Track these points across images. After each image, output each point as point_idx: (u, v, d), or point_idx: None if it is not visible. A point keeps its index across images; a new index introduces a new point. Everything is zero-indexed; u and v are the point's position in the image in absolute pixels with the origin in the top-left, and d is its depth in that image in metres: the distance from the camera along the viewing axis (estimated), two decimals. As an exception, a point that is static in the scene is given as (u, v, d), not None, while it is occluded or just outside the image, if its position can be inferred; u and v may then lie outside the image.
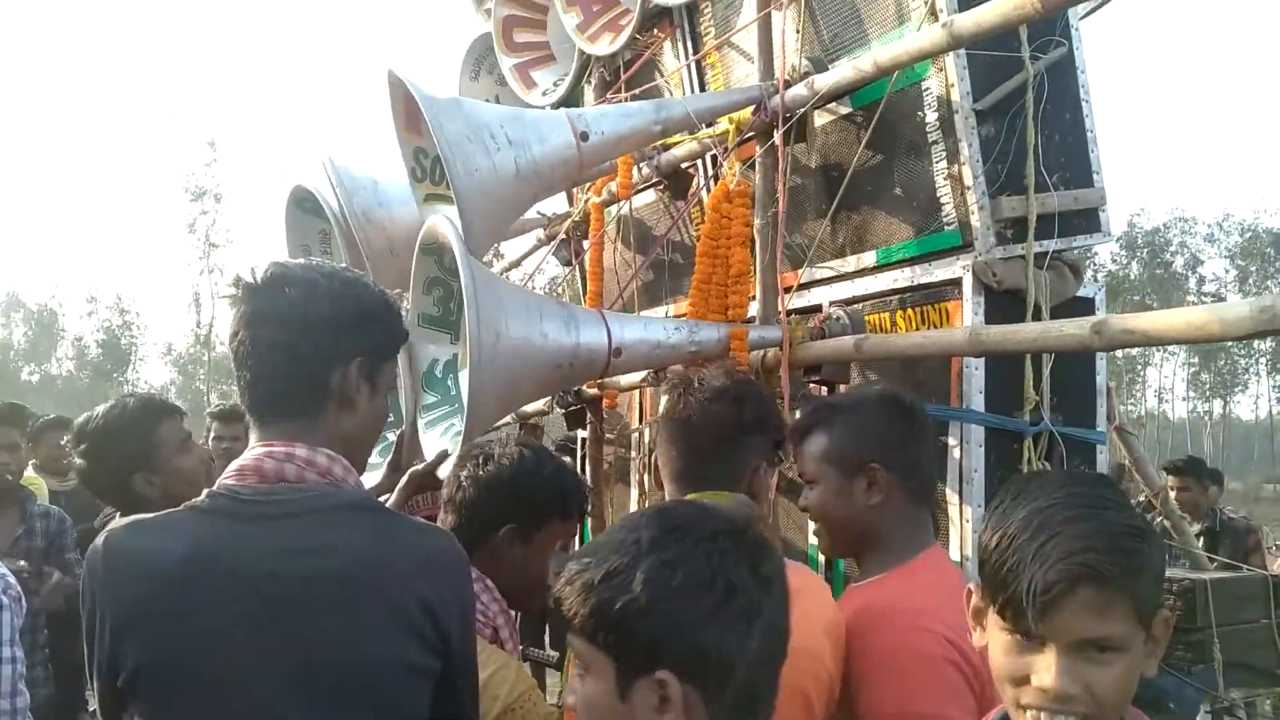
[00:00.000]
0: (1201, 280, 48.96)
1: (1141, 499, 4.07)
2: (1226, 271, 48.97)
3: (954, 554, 2.48)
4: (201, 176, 44.85)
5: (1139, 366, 44.31)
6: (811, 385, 2.95)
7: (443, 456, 2.14)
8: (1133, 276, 48.22)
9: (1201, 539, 4.78)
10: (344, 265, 1.51)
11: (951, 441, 2.53)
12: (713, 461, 1.69)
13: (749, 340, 2.65)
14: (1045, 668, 1.06)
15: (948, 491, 2.53)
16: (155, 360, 54.78)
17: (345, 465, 1.37)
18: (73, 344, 49.98)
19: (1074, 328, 1.94)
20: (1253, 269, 47.66)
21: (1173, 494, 5.11)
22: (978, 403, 2.49)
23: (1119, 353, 41.73)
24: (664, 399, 1.77)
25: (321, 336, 1.35)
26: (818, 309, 2.92)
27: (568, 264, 4.02)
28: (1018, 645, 1.10)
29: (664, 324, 2.65)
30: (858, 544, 1.75)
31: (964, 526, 2.47)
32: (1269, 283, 47.23)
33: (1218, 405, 51.43)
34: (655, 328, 2.60)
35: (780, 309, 2.77)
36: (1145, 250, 48.59)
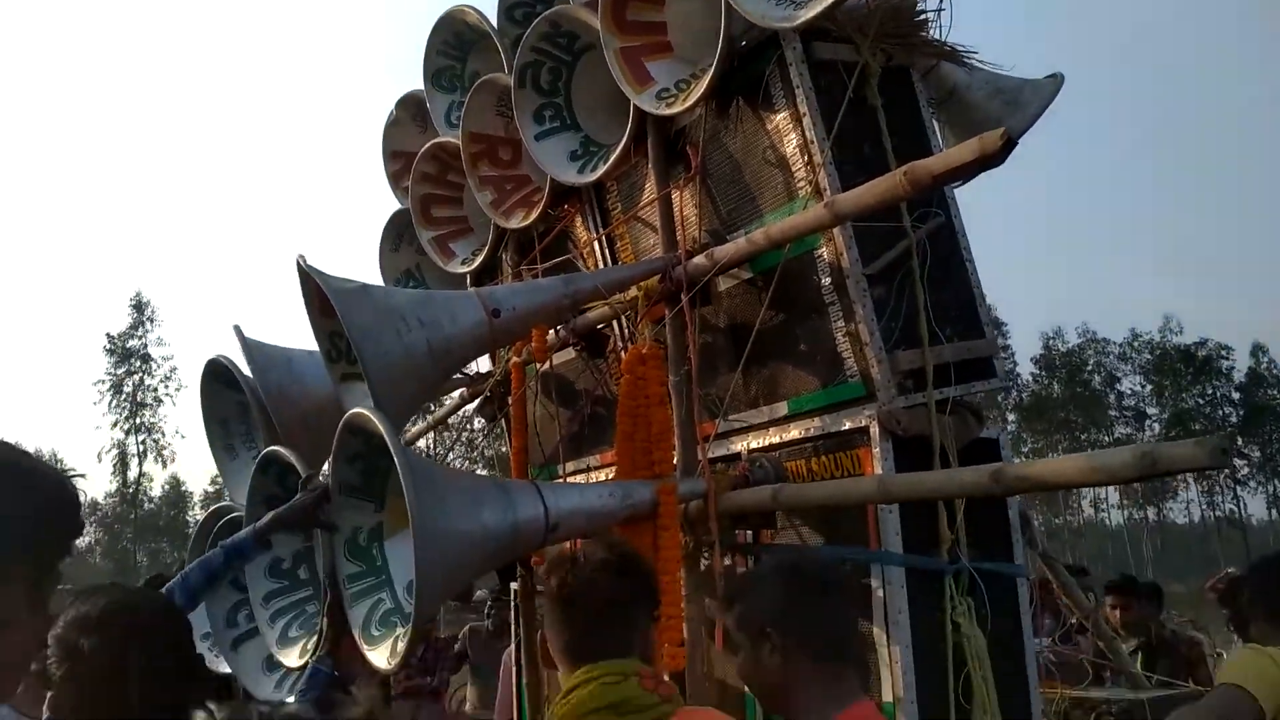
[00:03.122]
0: (1120, 396, 50.89)
1: (1073, 622, 4.13)
2: (1143, 386, 51.06)
3: (885, 693, 2.50)
4: (129, 339, 44.31)
5: (1072, 480, 45.40)
6: (738, 532, 3.01)
7: None
8: (1055, 396, 49.91)
9: (1139, 656, 4.82)
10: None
11: (874, 584, 2.59)
12: (604, 634, 1.76)
13: (678, 494, 2.72)
14: None
15: (875, 631, 2.56)
16: (79, 519, 52.02)
17: None
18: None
19: (974, 475, 2.05)
20: (1167, 383, 49.80)
21: (1114, 613, 5.19)
22: (895, 544, 2.57)
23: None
24: (549, 579, 1.81)
25: None
26: (737, 457, 3.01)
27: (492, 419, 4.07)
28: None
29: (598, 490, 2.70)
30: (778, 703, 1.81)
31: (894, 667, 2.49)
32: (1183, 395, 49.32)
33: (1152, 511, 52.52)
34: (590, 495, 2.65)
35: (701, 461, 2.85)
36: (1064, 370, 50.54)
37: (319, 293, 2.57)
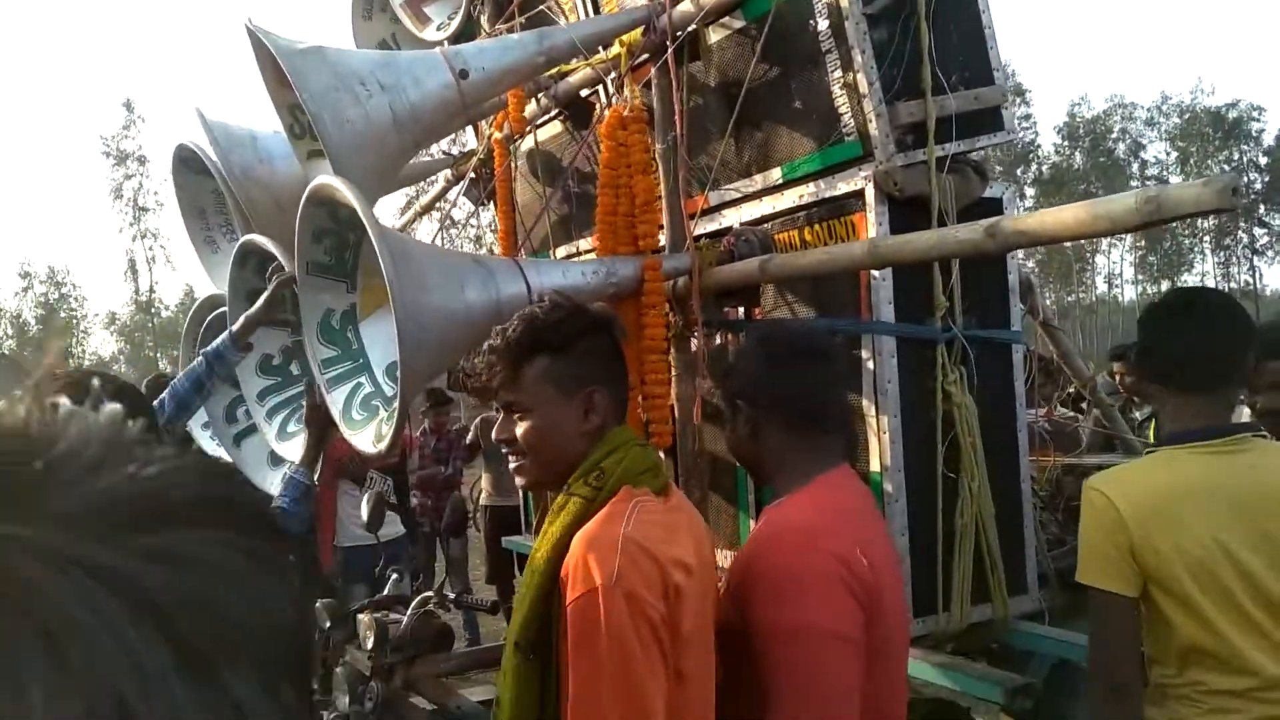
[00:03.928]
0: (1144, 165, 49.49)
1: (1070, 391, 4.11)
2: (1168, 154, 49.51)
3: (874, 464, 2.50)
4: (122, 140, 43.31)
5: (1088, 254, 45.01)
6: (727, 310, 2.93)
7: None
8: (1076, 166, 48.58)
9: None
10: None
11: (864, 355, 2.52)
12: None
13: (663, 270, 2.60)
14: None
15: (864, 403, 2.53)
16: (100, 331, 53.32)
17: None
18: (11, 322, 48.44)
19: (968, 232, 1.92)
20: (1193, 150, 48.24)
21: (1117, 380, 5.18)
22: (887, 313, 2.48)
23: (1068, 243, 42.06)
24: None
25: None
26: (729, 231, 2.88)
27: (479, 203, 3.91)
28: None
29: (581, 267, 2.58)
30: (757, 472, 1.79)
31: (882, 437, 2.47)
32: (1209, 162, 47.88)
33: (1166, 285, 52.45)
34: (574, 272, 2.54)
35: (687, 235, 2.71)
36: (1087, 139, 48.87)
37: (273, 61, 2.35)
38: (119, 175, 44.13)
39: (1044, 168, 47.60)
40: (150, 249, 45.30)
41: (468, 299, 2.14)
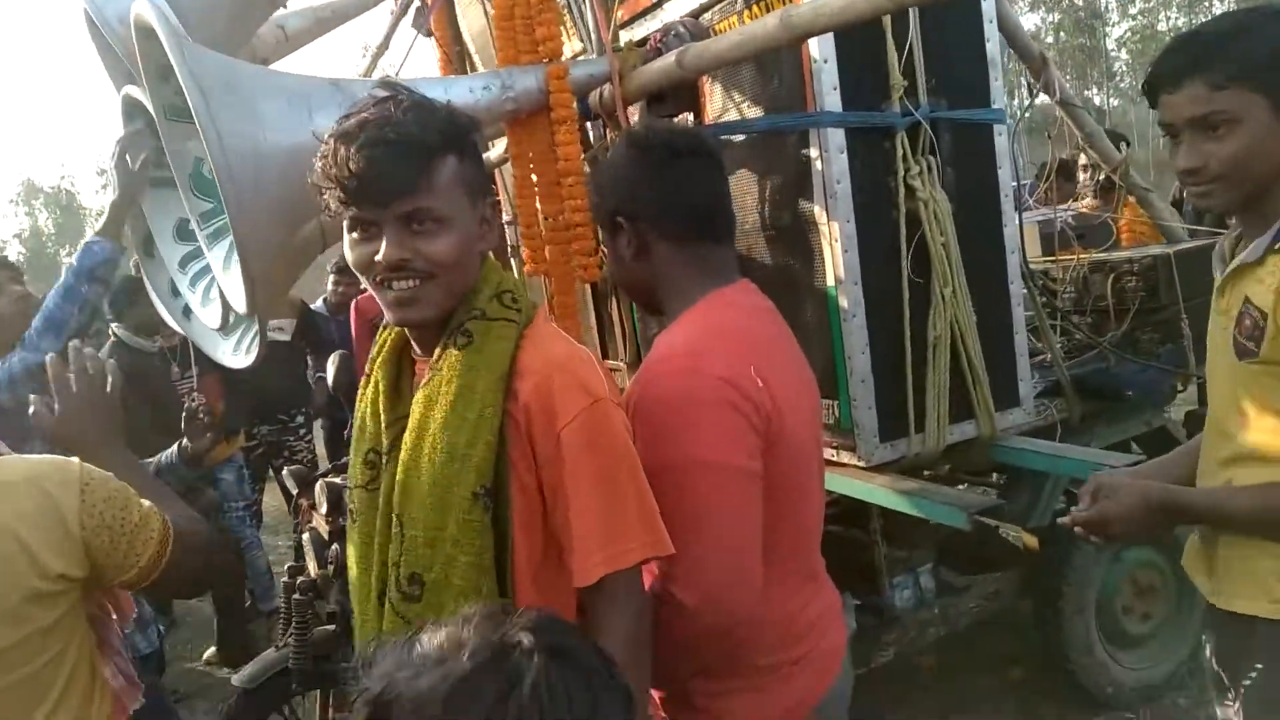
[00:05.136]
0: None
1: (1101, 178, 3.65)
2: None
3: (828, 278, 2.20)
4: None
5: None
6: (675, 119, 2.59)
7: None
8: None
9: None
10: None
11: (813, 153, 2.18)
12: None
13: (572, 80, 2.27)
14: None
15: (815, 210, 2.21)
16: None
17: None
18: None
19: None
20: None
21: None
22: (832, 101, 2.12)
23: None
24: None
25: None
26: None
27: (429, 35, 3.55)
28: None
29: (469, 82, 2.25)
30: (647, 298, 1.53)
31: (834, 246, 2.16)
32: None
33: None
34: (459, 88, 2.21)
35: (605, 36, 2.36)
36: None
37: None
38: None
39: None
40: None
41: (318, 128, 1.86)
